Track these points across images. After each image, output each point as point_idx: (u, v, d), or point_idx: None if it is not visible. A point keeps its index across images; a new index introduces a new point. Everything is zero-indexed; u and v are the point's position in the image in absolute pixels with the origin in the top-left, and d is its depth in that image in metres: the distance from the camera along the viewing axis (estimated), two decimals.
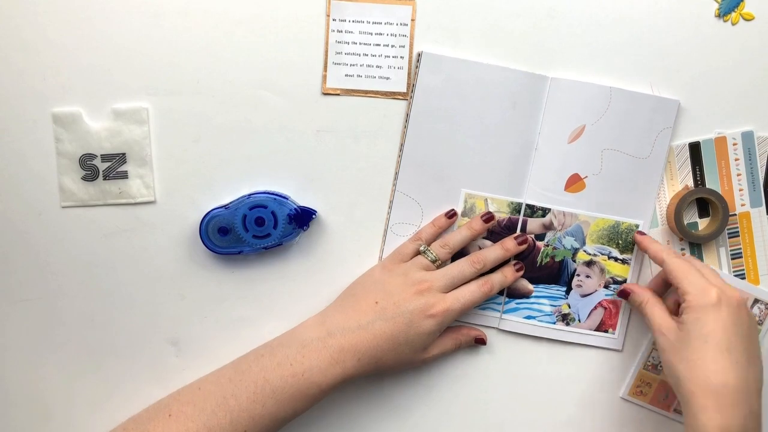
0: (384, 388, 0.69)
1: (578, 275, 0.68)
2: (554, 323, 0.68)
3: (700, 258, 0.69)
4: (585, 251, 0.68)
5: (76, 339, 0.67)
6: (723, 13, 0.67)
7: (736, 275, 0.69)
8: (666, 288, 0.67)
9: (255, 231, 0.65)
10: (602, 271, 0.68)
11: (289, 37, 0.66)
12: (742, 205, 0.69)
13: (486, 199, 0.67)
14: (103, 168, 0.66)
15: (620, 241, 0.67)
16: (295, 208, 0.65)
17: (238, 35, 0.65)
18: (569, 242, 0.67)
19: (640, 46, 0.67)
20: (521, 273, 0.67)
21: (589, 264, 0.68)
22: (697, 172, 0.68)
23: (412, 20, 0.66)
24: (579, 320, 0.68)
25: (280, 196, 0.65)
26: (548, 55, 0.67)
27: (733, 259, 0.69)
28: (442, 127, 0.66)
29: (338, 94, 0.67)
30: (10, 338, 0.67)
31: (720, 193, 0.68)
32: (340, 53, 0.66)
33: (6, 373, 0.67)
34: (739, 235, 0.69)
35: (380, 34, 0.66)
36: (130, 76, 0.65)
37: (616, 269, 0.68)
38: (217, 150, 0.66)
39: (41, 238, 0.66)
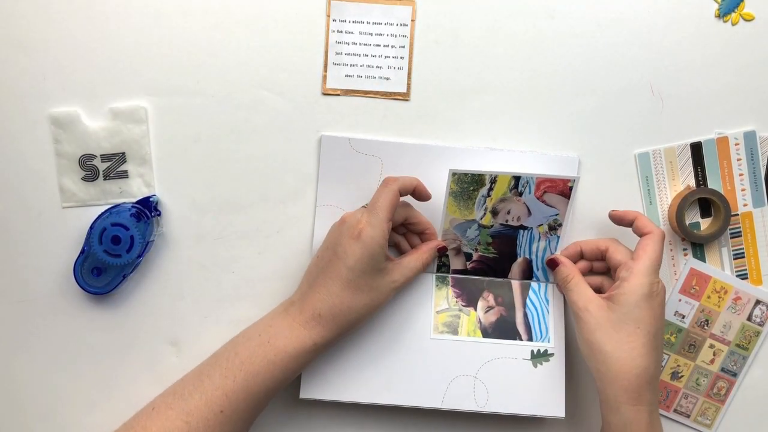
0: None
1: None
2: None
3: (702, 259, 0.69)
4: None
5: (76, 339, 0.67)
6: (723, 13, 0.67)
7: (738, 276, 0.69)
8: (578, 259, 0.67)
9: (110, 248, 0.64)
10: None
11: (289, 37, 0.66)
12: (745, 205, 0.68)
13: None
14: (103, 168, 0.66)
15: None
16: (131, 206, 0.65)
17: (238, 35, 0.66)
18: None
19: (640, 46, 0.67)
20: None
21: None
22: (699, 172, 0.68)
23: (412, 20, 0.66)
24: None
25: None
26: (548, 54, 0.67)
27: (735, 259, 0.69)
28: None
29: (338, 94, 0.67)
30: (9, 338, 0.67)
31: (722, 193, 0.67)
32: (340, 53, 0.66)
33: (6, 373, 0.67)
34: (741, 236, 0.69)
35: (380, 34, 0.66)
36: (128, 75, 0.65)
37: None
38: (217, 150, 0.66)
39: (41, 238, 0.66)
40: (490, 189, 0.64)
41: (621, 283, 0.61)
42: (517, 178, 0.64)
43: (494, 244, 0.67)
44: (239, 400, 0.58)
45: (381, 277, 0.61)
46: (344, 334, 0.62)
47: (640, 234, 0.63)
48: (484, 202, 0.65)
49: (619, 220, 0.65)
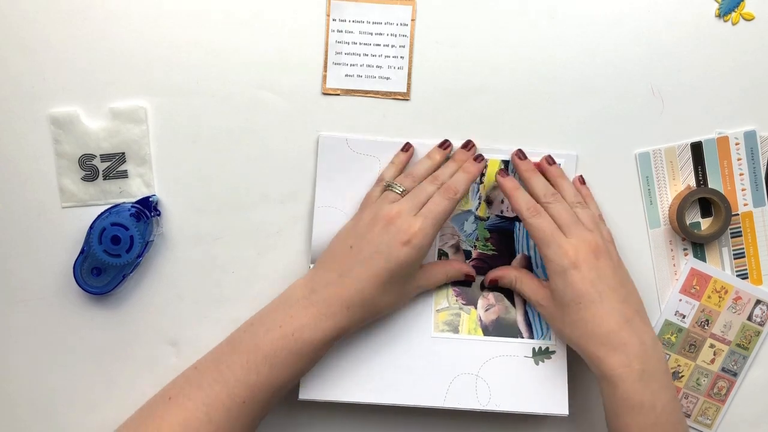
0: None
1: None
2: None
3: (703, 259, 0.69)
4: None
5: (75, 339, 0.67)
6: (723, 13, 0.67)
7: (738, 275, 0.69)
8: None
9: (110, 248, 0.64)
10: None
11: (289, 37, 0.66)
12: (745, 204, 0.68)
13: None
14: (103, 168, 0.66)
15: None
16: (131, 205, 0.65)
17: (238, 35, 0.66)
18: None
19: (640, 46, 0.67)
20: (483, 163, 0.65)
21: None
22: (699, 172, 0.68)
23: (412, 20, 0.66)
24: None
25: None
26: (548, 55, 0.67)
27: (735, 259, 0.69)
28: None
29: (338, 94, 0.67)
30: (10, 338, 0.67)
31: (722, 193, 0.67)
32: (340, 53, 0.66)
33: (6, 373, 0.67)
34: (741, 235, 0.69)
35: (380, 34, 0.66)
36: (128, 76, 0.66)
37: None
38: (217, 150, 0.66)
39: (41, 238, 0.66)
40: (482, 175, 0.66)
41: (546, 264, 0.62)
42: (506, 162, 0.65)
43: (492, 239, 0.67)
44: (263, 392, 0.58)
45: (410, 281, 0.63)
46: (361, 325, 0.62)
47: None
48: (478, 189, 0.66)
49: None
